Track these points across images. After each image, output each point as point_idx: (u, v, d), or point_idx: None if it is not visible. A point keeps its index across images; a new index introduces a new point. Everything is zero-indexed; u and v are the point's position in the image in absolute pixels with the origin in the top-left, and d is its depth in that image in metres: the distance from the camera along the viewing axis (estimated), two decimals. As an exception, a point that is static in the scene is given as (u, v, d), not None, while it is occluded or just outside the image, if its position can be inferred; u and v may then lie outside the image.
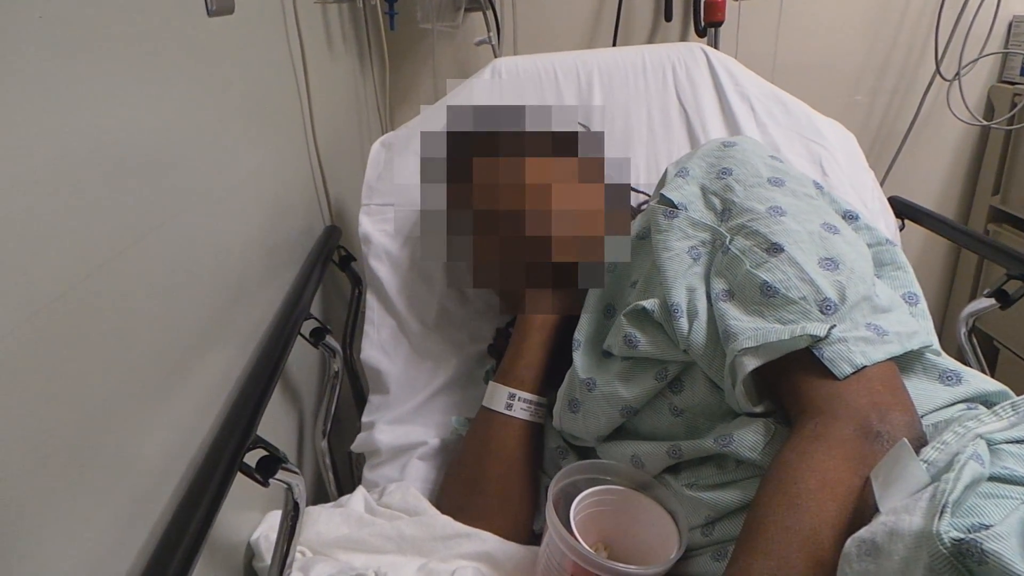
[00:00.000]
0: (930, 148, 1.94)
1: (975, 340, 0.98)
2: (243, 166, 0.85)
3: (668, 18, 1.78)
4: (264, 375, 0.72)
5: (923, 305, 0.73)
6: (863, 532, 0.47)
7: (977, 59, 1.78)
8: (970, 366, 0.95)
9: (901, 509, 0.46)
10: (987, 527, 0.42)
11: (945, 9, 1.73)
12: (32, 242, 0.45)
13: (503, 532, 0.78)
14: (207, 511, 0.56)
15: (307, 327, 0.93)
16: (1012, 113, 1.75)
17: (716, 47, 1.73)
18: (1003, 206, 1.88)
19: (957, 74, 1.76)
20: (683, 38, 1.83)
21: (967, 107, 1.79)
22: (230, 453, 0.60)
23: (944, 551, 0.40)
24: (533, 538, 0.80)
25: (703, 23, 1.71)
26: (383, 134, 1.21)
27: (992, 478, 0.49)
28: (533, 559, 0.74)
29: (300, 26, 1.07)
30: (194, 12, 0.73)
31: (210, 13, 0.75)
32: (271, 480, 0.65)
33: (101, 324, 0.52)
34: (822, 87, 1.85)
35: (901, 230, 1.13)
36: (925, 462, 0.50)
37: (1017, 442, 0.51)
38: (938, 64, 1.76)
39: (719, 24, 1.70)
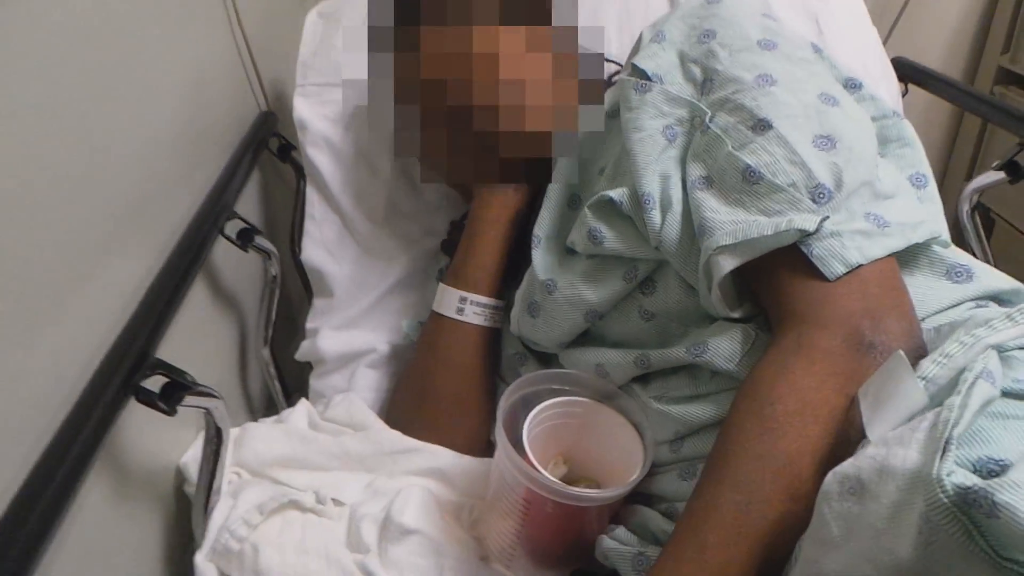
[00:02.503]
0: (936, 3, 1.76)
1: (978, 219, 0.89)
2: (148, 45, 0.71)
3: None
4: (169, 287, 0.63)
5: (932, 188, 0.63)
6: (847, 466, 0.40)
7: None
8: (970, 248, 0.87)
9: (893, 440, 0.38)
10: (999, 464, 0.35)
11: None
12: None
13: (456, 446, 0.72)
14: (87, 447, 0.49)
15: (236, 230, 0.82)
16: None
17: None
18: (1012, 66, 1.74)
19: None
20: None
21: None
22: (120, 380, 0.53)
23: (945, 500, 0.33)
24: (489, 450, 0.74)
25: None
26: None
27: (1004, 394, 0.42)
28: (489, 472, 0.68)
29: None
30: None
31: None
32: (180, 407, 0.57)
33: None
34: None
35: (904, 96, 1.01)
36: (923, 379, 0.42)
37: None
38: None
39: None
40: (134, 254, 0.65)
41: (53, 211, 0.53)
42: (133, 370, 0.54)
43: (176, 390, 0.56)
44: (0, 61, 0.49)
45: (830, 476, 0.41)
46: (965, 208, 0.88)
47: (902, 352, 0.44)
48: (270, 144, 1.01)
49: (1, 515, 0.43)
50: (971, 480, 0.32)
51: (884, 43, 1.72)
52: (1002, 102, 0.92)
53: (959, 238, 0.90)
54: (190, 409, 0.59)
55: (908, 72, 1.02)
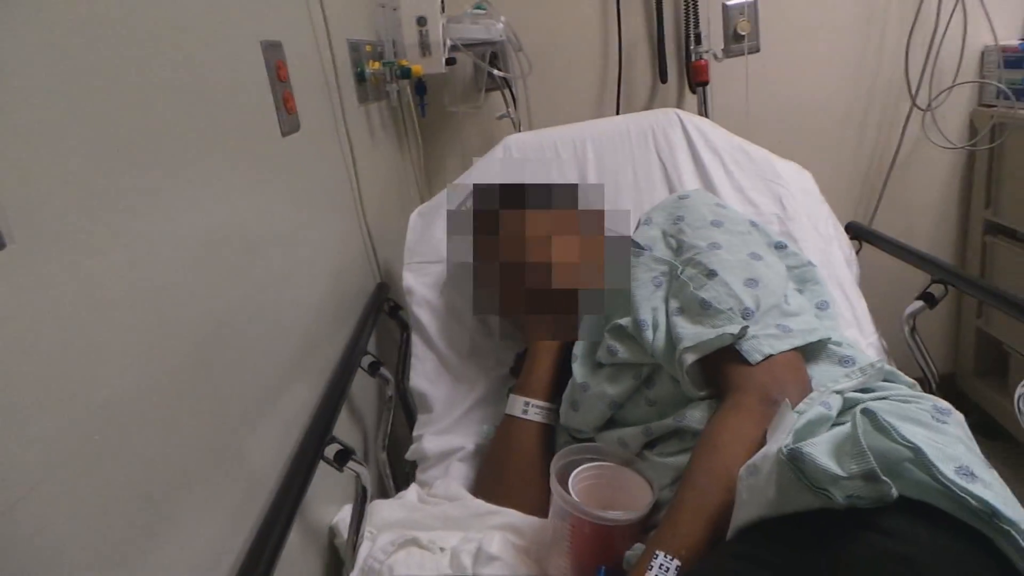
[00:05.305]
0: (920, 173, 2.11)
1: (917, 338, 1.15)
2: (310, 242, 1.12)
3: (664, 80, 2.02)
4: (335, 394, 0.97)
5: (832, 310, 0.94)
6: (750, 460, 0.68)
7: (952, 87, 1.96)
8: (916, 359, 1.14)
9: (772, 442, 0.67)
10: (810, 444, 0.63)
11: (914, 45, 1.92)
12: (185, 302, 0.71)
13: (523, 509, 0.99)
14: (298, 492, 0.78)
15: (367, 362, 1.18)
16: (989, 135, 1.92)
17: (706, 102, 1.97)
18: (996, 218, 2.03)
19: (930, 104, 1.95)
20: (680, 95, 2.07)
21: (942, 133, 1.97)
22: (314, 445, 0.85)
23: (782, 458, 0.61)
24: (547, 514, 1.01)
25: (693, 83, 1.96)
26: (420, 204, 1.47)
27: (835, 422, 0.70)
28: (546, 528, 0.95)
29: (348, 126, 1.36)
30: (272, 134, 1.01)
31: (283, 134, 1.03)
32: (345, 468, 0.89)
33: (227, 362, 0.77)
34: (806, 128, 2.06)
35: (858, 252, 1.32)
36: (797, 412, 0.71)
37: (862, 391, 0.71)
38: (913, 96, 1.96)
39: (706, 84, 1.94)
40: (309, 377, 1.01)
41: (264, 352, 0.88)
42: (322, 439, 0.86)
43: (344, 455, 0.88)
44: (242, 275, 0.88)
45: (743, 469, 0.69)
46: (906, 329, 1.16)
47: (788, 400, 0.73)
48: (383, 306, 1.39)
49: (249, 546, 0.70)
50: (794, 445, 0.61)
51: (875, 209, 2.06)
52: (915, 249, 1.20)
53: (906, 354, 1.17)
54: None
55: (858, 232, 1.34)
